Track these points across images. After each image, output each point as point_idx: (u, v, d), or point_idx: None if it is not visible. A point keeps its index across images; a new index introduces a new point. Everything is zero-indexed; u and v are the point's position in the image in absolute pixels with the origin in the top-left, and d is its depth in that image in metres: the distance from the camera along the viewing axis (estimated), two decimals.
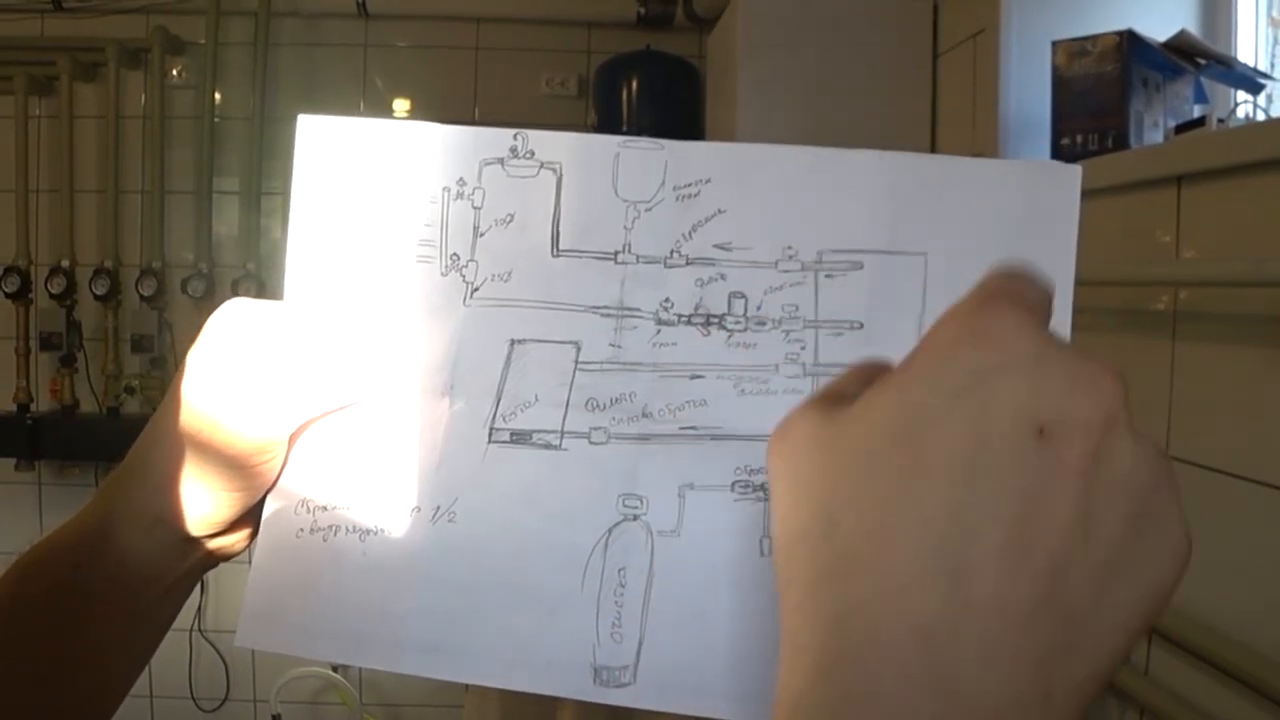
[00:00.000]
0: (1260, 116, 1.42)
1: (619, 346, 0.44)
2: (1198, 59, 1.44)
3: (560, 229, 0.45)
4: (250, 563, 0.46)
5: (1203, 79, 1.47)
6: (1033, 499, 0.25)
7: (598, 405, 0.44)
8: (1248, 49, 1.57)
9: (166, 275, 2.67)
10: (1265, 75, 1.46)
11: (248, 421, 0.41)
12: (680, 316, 0.44)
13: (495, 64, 2.75)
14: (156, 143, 2.68)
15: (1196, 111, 1.46)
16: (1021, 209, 0.42)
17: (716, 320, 0.44)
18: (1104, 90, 1.38)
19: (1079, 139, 1.41)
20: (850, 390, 0.29)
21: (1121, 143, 1.36)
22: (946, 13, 1.96)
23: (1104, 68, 1.38)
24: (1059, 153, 1.43)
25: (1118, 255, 1.33)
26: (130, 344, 2.71)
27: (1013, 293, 0.29)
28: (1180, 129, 1.37)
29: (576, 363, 0.44)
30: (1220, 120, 1.38)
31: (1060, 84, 1.43)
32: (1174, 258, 1.20)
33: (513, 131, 0.45)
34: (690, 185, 0.44)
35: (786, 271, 0.43)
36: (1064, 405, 0.26)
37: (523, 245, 0.45)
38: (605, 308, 0.44)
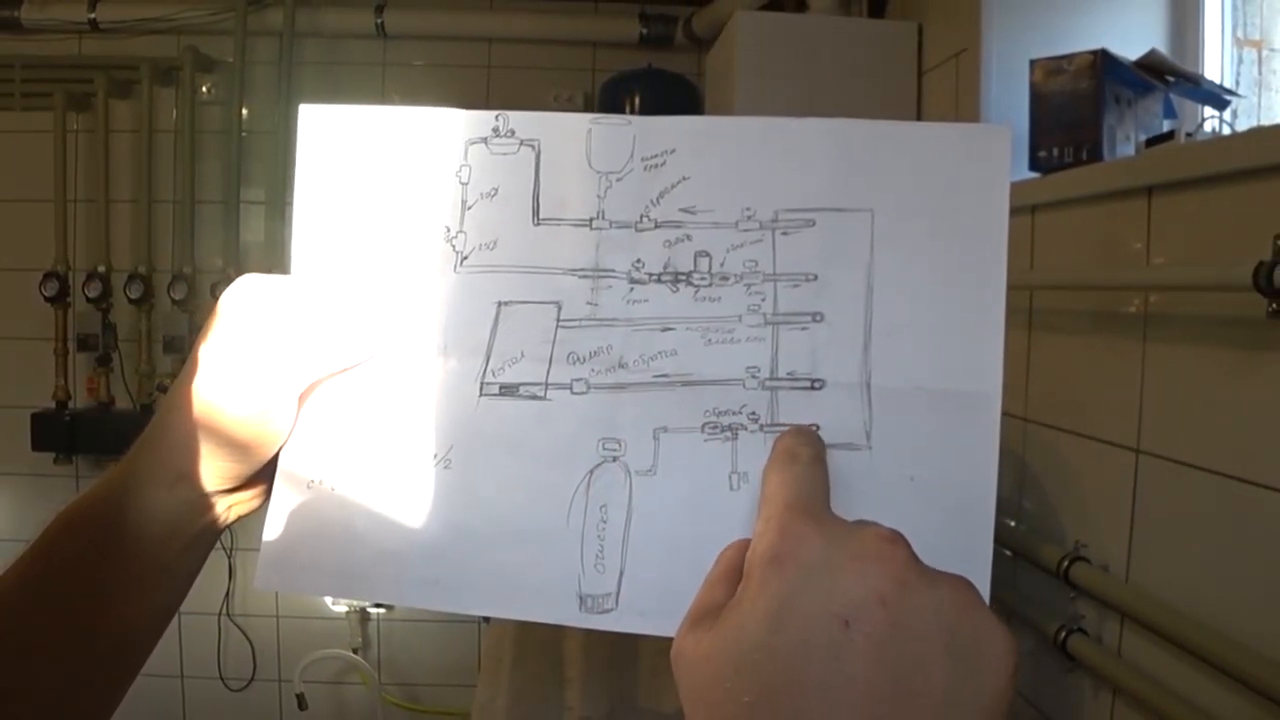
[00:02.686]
0: (1226, 131, 1.42)
1: (596, 305, 0.45)
2: (1167, 76, 1.45)
3: (540, 200, 0.46)
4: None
5: (1172, 95, 1.47)
6: (857, 680, 0.29)
7: (578, 358, 0.45)
8: (1214, 67, 1.57)
9: (197, 280, 2.67)
10: (1230, 92, 1.46)
11: (242, 404, 0.43)
12: (651, 275, 0.45)
13: (506, 81, 2.75)
14: (187, 155, 2.68)
15: (1166, 126, 1.46)
16: (957, 166, 0.44)
17: (684, 277, 0.45)
18: (1079, 106, 1.38)
19: (1055, 151, 1.41)
20: (717, 599, 0.34)
21: (1095, 155, 1.36)
22: (930, 34, 1.97)
23: (1079, 85, 1.38)
24: (1036, 164, 1.43)
25: (1091, 261, 1.33)
26: (162, 345, 2.72)
27: (793, 501, 0.35)
28: (1151, 142, 1.37)
29: (558, 321, 0.46)
30: (1188, 134, 1.38)
31: (1038, 100, 1.43)
32: (1145, 264, 1.20)
33: (494, 113, 0.47)
34: (657, 156, 0.46)
35: (746, 231, 0.45)
36: (857, 593, 0.31)
37: (506, 216, 0.46)
38: (583, 270, 0.46)
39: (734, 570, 0.35)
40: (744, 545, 0.36)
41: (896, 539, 0.32)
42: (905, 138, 0.44)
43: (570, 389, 0.45)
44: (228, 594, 2.72)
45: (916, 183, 0.44)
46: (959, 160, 0.43)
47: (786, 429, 0.42)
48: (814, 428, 0.43)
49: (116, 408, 2.72)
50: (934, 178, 0.44)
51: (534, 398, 0.45)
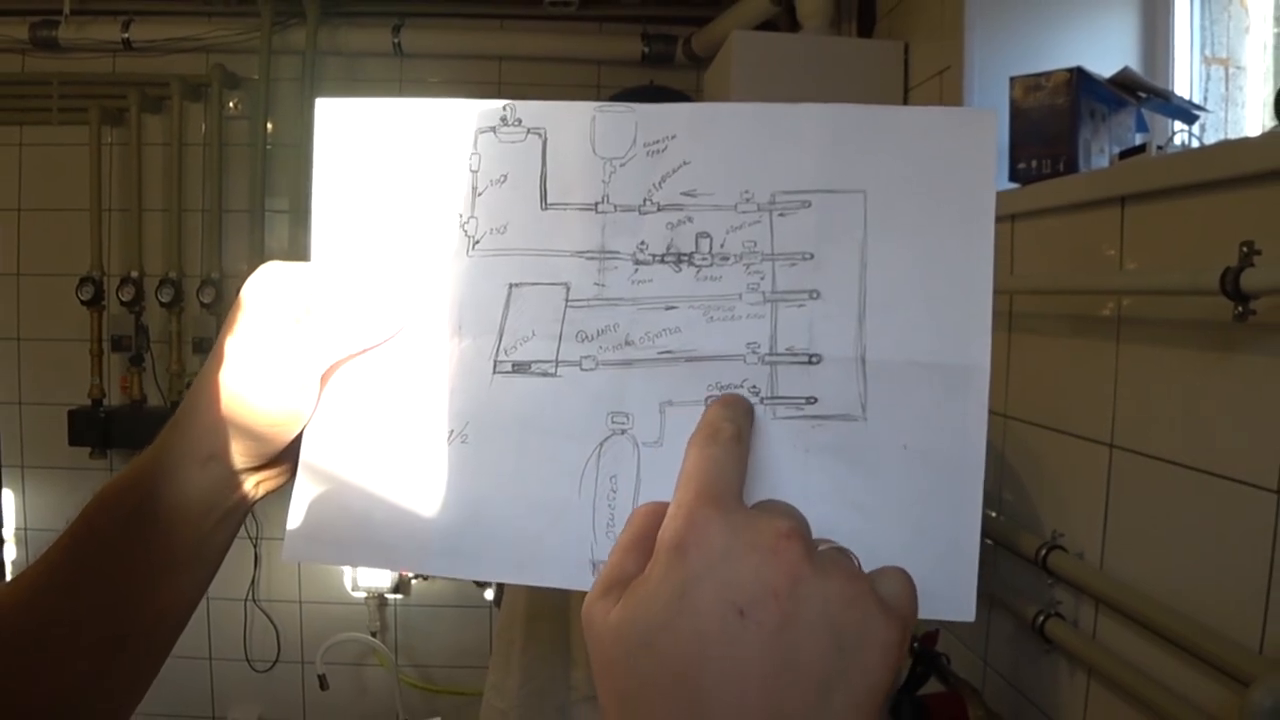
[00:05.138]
0: (1195, 144, 1.42)
1: (603, 285, 0.45)
2: (1139, 93, 1.45)
3: (547, 185, 0.46)
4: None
5: (1144, 110, 1.47)
6: (749, 667, 0.30)
7: (586, 336, 0.45)
8: (1184, 84, 1.57)
9: (224, 284, 2.68)
10: (1199, 107, 1.46)
11: (266, 387, 0.43)
12: (655, 256, 0.45)
13: (515, 97, 2.74)
14: (215, 167, 2.69)
15: (1138, 139, 1.46)
16: (945, 148, 0.43)
17: (686, 258, 0.44)
18: (1056, 120, 1.38)
19: (1033, 164, 1.41)
20: (627, 569, 0.34)
21: (1071, 167, 1.36)
22: (916, 52, 1.97)
23: (1056, 100, 1.38)
24: (1015, 175, 1.43)
25: (1068, 267, 1.33)
26: (192, 345, 2.73)
27: (704, 488, 0.34)
28: (1124, 155, 1.37)
29: (567, 301, 0.45)
30: (1159, 147, 1.38)
31: (1017, 115, 1.43)
32: (1118, 269, 1.21)
33: (503, 103, 0.47)
34: (658, 141, 0.45)
35: (745, 212, 0.44)
36: (752, 585, 0.31)
37: (516, 201, 0.46)
38: (589, 252, 0.45)
39: (644, 538, 0.35)
40: (655, 510, 0.36)
41: (793, 533, 0.32)
42: (896, 121, 0.44)
43: (580, 366, 0.44)
44: (253, 580, 2.73)
45: (907, 164, 0.43)
46: (947, 142, 0.43)
47: (722, 396, 0.42)
48: (745, 399, 0.42)
49: (148, 405, 2.73)
50: (923, 160, 0.43)
51: (545, 374, 0.45)
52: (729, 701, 0.30)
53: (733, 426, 0.38)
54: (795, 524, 0.33)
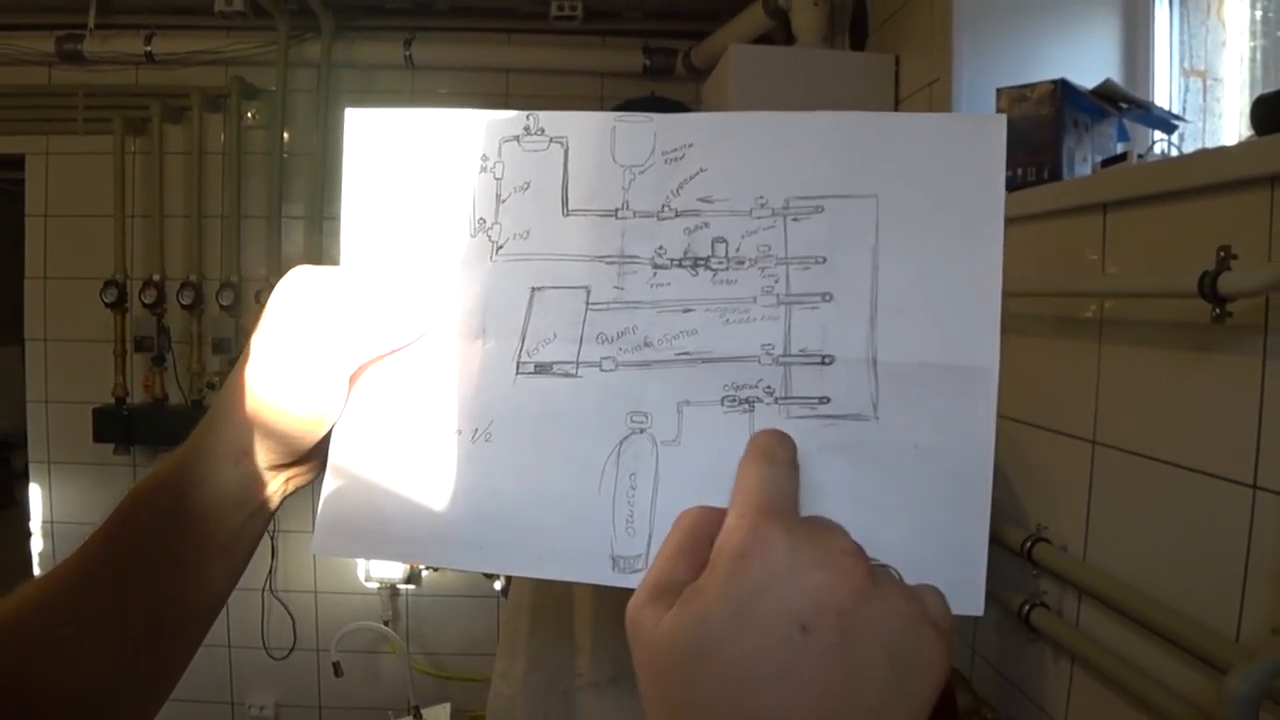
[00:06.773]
0: (1174, 152, 1.42)
1: (622, 289, 0.45)
2: (1121, 103, 1.45)
3: (569, 192, 0.46)
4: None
5: (1125, 121, 1.47)
6: (809, 683, 0.29)
7: (606, 338, 0.44)
8: (1163, 95, 1.58)
9: (242, 288, 2.69)
10: (1178, 117, 1.46)
11: (295, 389, 0.43)
12: (672, 261, 0.44)
13: (522, 108, 2.73)
14: (234, 175, 2.70)
15: (1120, 148, 1.46)
16: (956, 153, 0.42)
17: (703, 262, 0.44)
18: (1040, 130, 1.38)
19: (1019, 172, 1.41)
20: (678, 576, 0.33)
21: (1055, 175, 1.36)
22: (906, 64, 1.97)
23: (1040, 111, 1.38)
24: None
25: (1052, 271, 1.33)
26: (211, 346, 2.73)
27: (765, 503, 0.33)
28: (1106, 163, 1.37)
29: (587, 304, 0.45)
30: (1140, 156, 1.38)
31: None
32: (1100, 273, 1.21)
33: (525, 113, 0.46)
34: (676, 150, 0.45)
35: (760, 218, 0.44)
36: (816, 601, 0.30)
37: (538, 208, 0.46)
38: (609, 257, 0.45)
39: (694, 545, 0.34)
40: (703, 516, 0.35)
41: (857, 552, 0.31)
42: (907, 128, 0.43)
43: (600, 367, 0.44)
44: (270, 571, 2.73)
45: (918, 170, 0.42)
46: (958, 148, 0.42)
47: (769, 429, 0.41)
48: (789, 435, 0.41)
49: (170, 403, 2.73)
50: (934, 164, 0.42)
51: (567, 375, 0.44)
52: (785, 718, 0.29)
53: (787, 453, 0.37)
54: (854, 542, 0.32)
